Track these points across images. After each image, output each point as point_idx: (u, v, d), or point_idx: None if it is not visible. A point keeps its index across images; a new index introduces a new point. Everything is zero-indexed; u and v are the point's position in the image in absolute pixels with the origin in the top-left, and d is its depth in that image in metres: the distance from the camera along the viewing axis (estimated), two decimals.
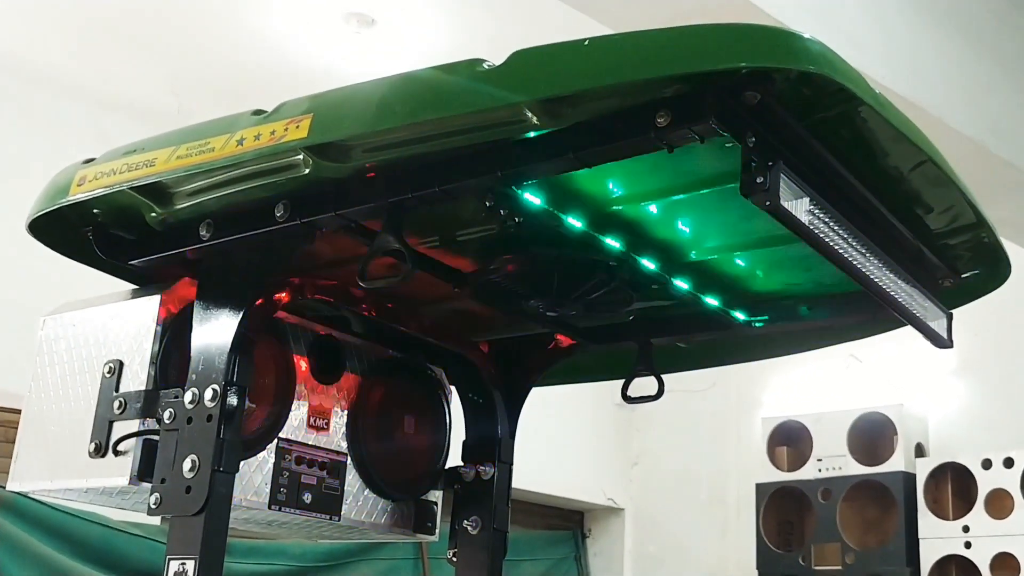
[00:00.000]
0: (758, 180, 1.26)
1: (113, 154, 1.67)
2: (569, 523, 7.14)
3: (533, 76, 1.30)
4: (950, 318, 1.75)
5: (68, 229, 1.83)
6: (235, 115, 1.52)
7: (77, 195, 1.67)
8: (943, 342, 1.73)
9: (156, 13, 4.42)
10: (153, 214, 1.75)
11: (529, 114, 1.32)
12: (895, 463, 5.37)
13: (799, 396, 6.17)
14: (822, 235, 1.39)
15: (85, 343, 1.86)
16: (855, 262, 1.48)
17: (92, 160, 1.70)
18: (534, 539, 6.82)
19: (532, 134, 1.36)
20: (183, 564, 1.58)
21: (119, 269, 1.90)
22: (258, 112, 1.50)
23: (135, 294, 1.85)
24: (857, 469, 5.49)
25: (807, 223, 1.35)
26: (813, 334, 2.05)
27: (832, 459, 5.58)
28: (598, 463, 7.02)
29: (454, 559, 2.13)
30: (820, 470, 5.61)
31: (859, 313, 1.88)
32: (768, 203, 1.26)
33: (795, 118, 1.32)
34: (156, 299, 1.78)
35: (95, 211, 1.80)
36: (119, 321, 1.82)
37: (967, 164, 3.71)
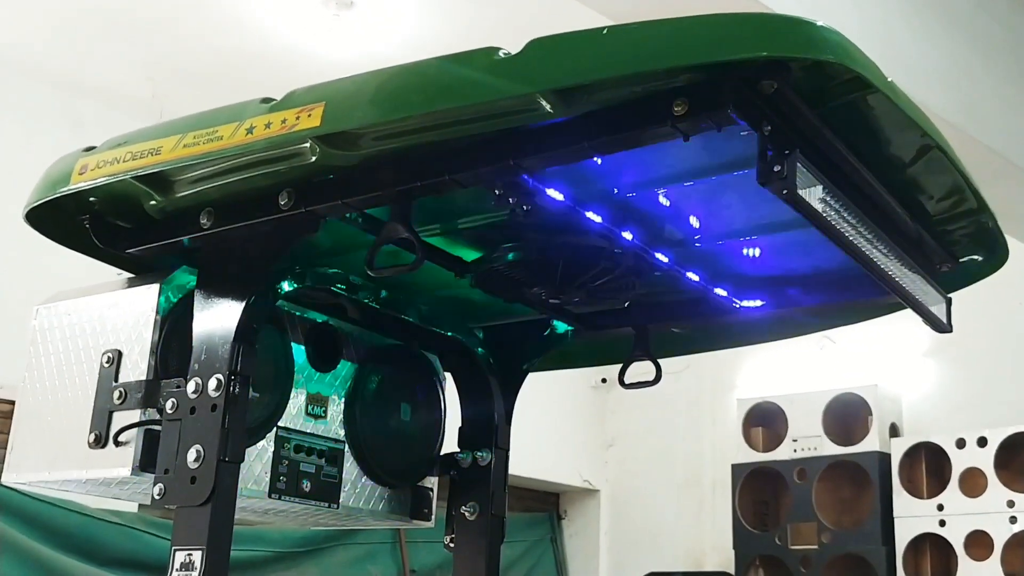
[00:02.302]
0: (775, 168, 1.27)
1: (115, 142, 1.65)
2: (545, 505, 7.18)
3: (551, 65, 1.29)
4: (949, 303, 1.78)
5: (65, 218, 1.80)
6: (242, 103, 1.50)
7: (79, 183, 1.65)
8: (943, 326, 1.75)
9: None
10: (153, 202, 1.73)
11: (543, 103, 1.32)
12: (870, 443, 5.44)
13: (774, 378, 6.23)
14: (833, 222, 1.40)
15: (81, 332, 1.84)
16: (863, 248, 1.50)
17: (93, 148, 1.68)
18: (510, 521, 6.81)
19: (545, 122, 1.36)
20: (189, 555, 1.57)
21: (116, 258, 1.88)
22: (266, 100, 1.48)
23: (132, 283, 1.83)
24: (832, 449, 5.55)
25: (820, 211, 1.36)
26: (810, 318, 2.07)
27: (807, 440, 5.64)
28: (574, 445, 7.05)
29: (451, 545, 2.14)
30: (795, 451, 5.67)
31: (856, 297, 1.90)
32: (785, 191, 1.27)
33: (808, 106, 1.33)
34: (155, 288, 1.76)
35: (91, 199, 1.78)
36: (117, 310, 1.80)
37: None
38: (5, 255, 4.32)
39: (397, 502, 2.17)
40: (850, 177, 1.48)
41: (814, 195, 1.33)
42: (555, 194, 1.57)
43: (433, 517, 2.25)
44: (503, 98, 1.32)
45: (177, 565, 1.58)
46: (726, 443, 6.17)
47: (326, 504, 2.03)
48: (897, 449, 5.37)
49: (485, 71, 1.32)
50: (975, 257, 1.78)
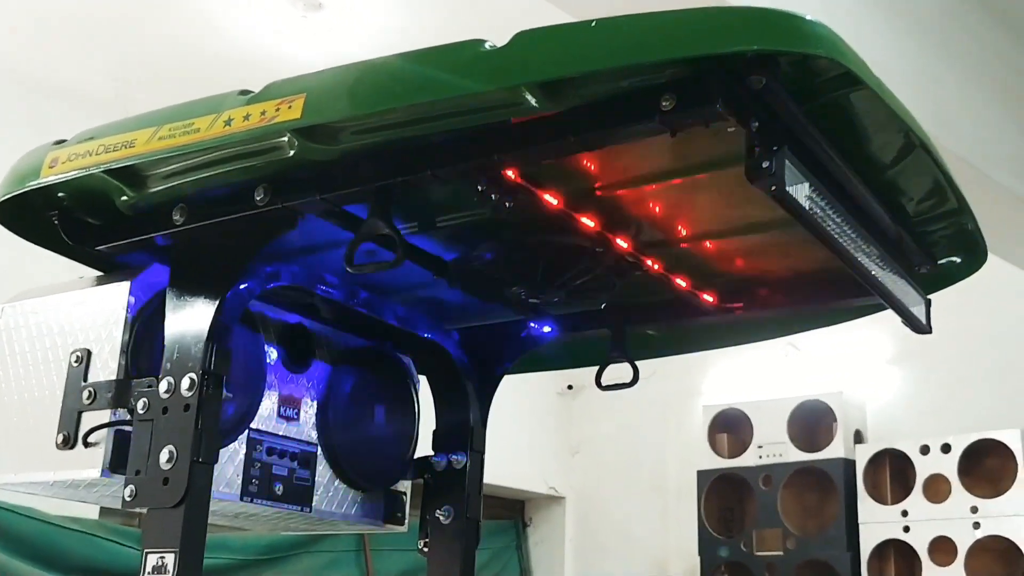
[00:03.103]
0: (764, 165, 1.26)
1: (87, 135, 1.61)
2: (510, 512, 7.15)
3: (537, 58, 1.28)
4: (928, 303, 1.78)
5: (33, 214, 1.77)
6: (220, 95, 1.47)
7: (49, 177, 1.61)
8: (922, 327, 1.75)
9: None
10: (124, 198, 1.70)
11: (529, 96, 1.30)
12: (835, 450, 5.46)
13: (739, 384, 6.25)
14: (820, 220, 1.40)
15: (48, 332, 1.80)
16: (848, 248, 1.49)
17: (63, 141, 1.64)
18: None
19: (530, 117, 1.34)
20: (162, 558, 1.53)
21: (85, 255, 1.84)
22: (244, 92, 1.45)
23: (102, 281, 1.79)
24: (797, 456, 5.57)
25: (808, 207, 1.35)
26: (788, 320, 2.07)
27: (773, 446, 5.66)
28: (539, 452, 7.03)
29: (425, 549, 2.11)
30: (761, 456, 5.69)
31: (835, 299, 1.90)
32: (774, 188, 1.26)
33: (796, 102, 1.32)
34: (126, 286, 1.73)
35: (60, 195, 1.74)
36: (86, 309, 1.77)
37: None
38: None
39: (370, 506, 2.15)
40: (834, 176, 1.47)
41: (801, 192, 1.32)
42: (538, 191, 1.56)
43: (406, 521, 2.23)
44: (488, 91, 1.30)
45: (149, 568, 1.54)
46: (691, 450, 6.18)
47: (299, 507, 2.00)
48: (862, 456, 5.40)
49: (471, 63, 1.30)
50: (954, 259, 1.79)
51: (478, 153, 1.40)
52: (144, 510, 1.57)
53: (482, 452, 2.14)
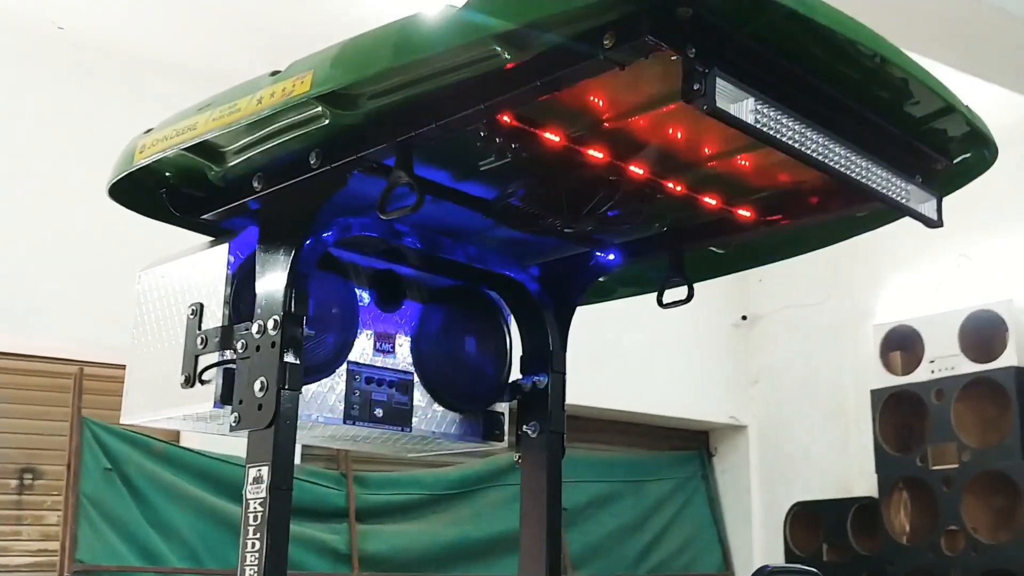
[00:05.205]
0: (695, 87, 1.40)
1: (166, 123, 1.91)
2: (694, 443, 7.29)
3: (491, 12, 1.46)
4: (939, 200, 1.84)
5: (144, 192, 2.09)
6: (256, 78, 1.74)
7: (140, 161, 1.93)
8: (933, 223, 1.82)
9: None
10: (213, 172, 1.99)
11: (498, 48, 1.49)
12: (1007, 359, 5.33)
13: (911, 300, 6.15)
14: (771, 131, 1.51)
15: (172, 291, 2.13)
16: (814, 153, 1.59)
17: (151, 130, 1.95)
18: (660, 460, 7.01)
19: (506, 67, 1.53)
20: (259, 470, 1.83)
21: (193, 224, 2.15)
22: (274, 73, 1.71)
23: (209, 245, 2.10)
24: (970, 368, 5.47)
25: (753, 121, 1.47)
26: (838, 226, 2.15)
27: (944, 360, 5.57)
28: (719, 384, 7.13)
29: (519, 462, 2.35)
30: (933, 371, 5.61)
31: (855, 206, 1.97)
32: (706, 107, 1.40)
33: (734, 26, 1.45)
34: (225, 247, 2.03)
35: (167, 174, 2.06)
36: (198, 269, 2.08)
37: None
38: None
39: (468, 425, 2.40)
40: (806, 90, 1.57)
41: (746, 108, 1.45)
42: (538, 131, 1.74)
43: (505, 438, 2.46)
44: (458, 46, 1.50)
45: (250, 480, 1.84)
46: (866, 370, 6.14)
47: (399, 428, 2.27)
48: None
49: (439, 22, 1.50)
50: (967, 156, 1.85)
51: (470, 103, 1.60)
52: (246, 433, 1.88)
53: (563, 373, 2.35)
